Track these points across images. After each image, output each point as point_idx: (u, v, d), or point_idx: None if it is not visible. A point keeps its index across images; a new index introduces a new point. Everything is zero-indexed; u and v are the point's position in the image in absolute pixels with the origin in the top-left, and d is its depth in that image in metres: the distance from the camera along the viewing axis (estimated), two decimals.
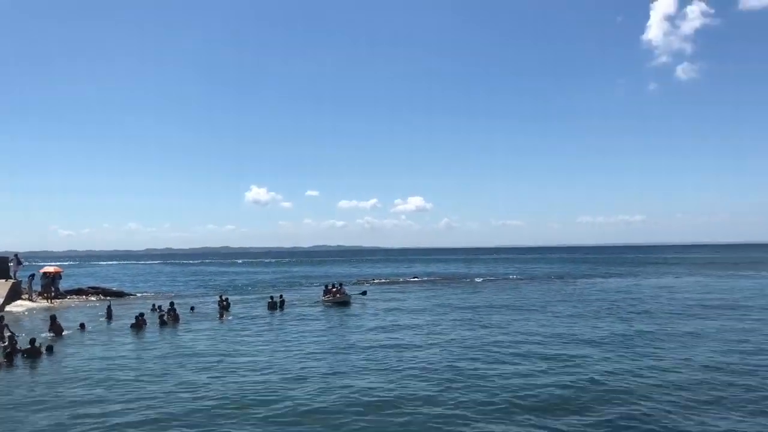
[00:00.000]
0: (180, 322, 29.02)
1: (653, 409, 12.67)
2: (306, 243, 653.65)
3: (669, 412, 12.51)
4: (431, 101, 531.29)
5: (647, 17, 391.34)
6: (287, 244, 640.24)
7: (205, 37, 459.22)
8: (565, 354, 19.02)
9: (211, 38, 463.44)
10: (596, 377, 15.62)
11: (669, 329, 24.10)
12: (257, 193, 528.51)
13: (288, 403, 13.64)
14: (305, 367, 17.71)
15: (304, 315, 32.10)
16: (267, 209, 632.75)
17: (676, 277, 60.53)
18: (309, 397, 14.19)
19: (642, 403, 13.18)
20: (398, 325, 27.09)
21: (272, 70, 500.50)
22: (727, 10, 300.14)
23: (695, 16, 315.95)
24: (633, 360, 17.93)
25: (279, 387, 15.19)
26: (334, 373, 16.75)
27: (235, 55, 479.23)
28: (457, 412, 12.78)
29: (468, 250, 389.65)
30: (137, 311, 29.45)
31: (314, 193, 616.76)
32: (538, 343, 21.20)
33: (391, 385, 15.19)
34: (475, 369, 16.97)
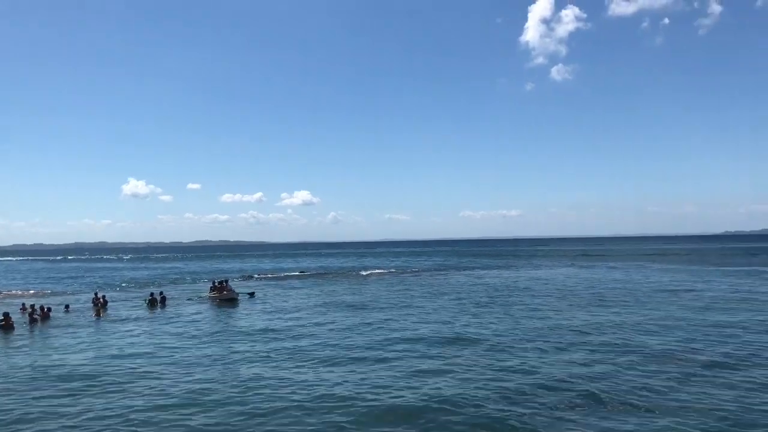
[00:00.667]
0: (50, 321, 27.42)
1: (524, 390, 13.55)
2: (187, 238, 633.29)
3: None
4: (317, 97, 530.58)
5: (525, 19, 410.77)
6: (167, 239, 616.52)
7: (84, 26, 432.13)
8: (456, 344, 19.82)
9: (95, 28, 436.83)
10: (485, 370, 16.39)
11: (548, 320, 25.63)
12: (135, 185, 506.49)
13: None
14: (189, 372, 17.32)
15: (187, 313, 31.10)
16: (146, 203, 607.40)
17: (550, 269, 64.18)
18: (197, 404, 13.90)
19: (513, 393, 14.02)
20: (284, 322, 26.97)
21: (154, 57, 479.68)
22: (598, 15, 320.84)
23: (569, 19, 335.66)
24: (543, 354, 18.95)
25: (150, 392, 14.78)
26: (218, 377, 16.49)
27: (126, 42, 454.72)
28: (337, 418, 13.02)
29: (356, 243, 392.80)
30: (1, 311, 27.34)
31: (196, 186, 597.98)
32: (411, 338, 21.87)
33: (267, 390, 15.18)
34: (368, 372, 17.27)
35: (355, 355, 18.20)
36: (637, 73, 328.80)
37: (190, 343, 21.32)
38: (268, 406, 12.95)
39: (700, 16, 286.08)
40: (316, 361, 17.57)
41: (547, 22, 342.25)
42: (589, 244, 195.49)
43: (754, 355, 17.18)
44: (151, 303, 33.76)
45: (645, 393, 13.36)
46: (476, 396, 13.31)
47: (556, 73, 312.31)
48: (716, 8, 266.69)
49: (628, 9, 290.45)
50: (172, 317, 29.07)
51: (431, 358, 17.60)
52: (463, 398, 13.12)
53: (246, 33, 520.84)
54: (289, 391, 14.03)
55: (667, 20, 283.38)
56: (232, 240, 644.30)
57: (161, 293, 36.03)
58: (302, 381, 15.05)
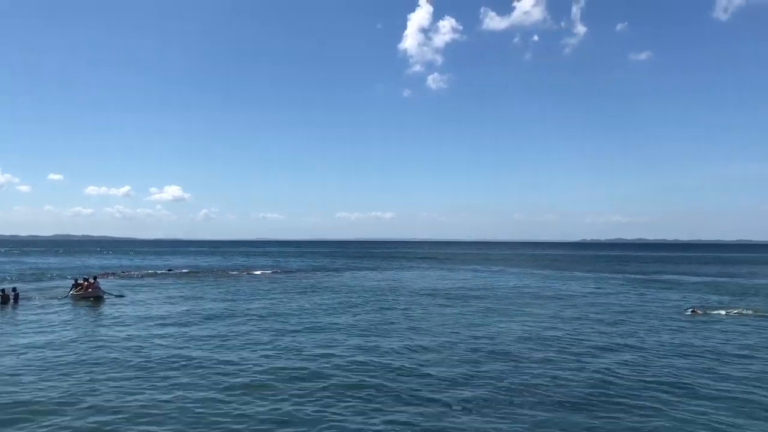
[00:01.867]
0: None
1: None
2: (46, 231, 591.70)
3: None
4: (188, 91, 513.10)
5: (405, 27, 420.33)
6: (24, 232, 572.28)
7: None
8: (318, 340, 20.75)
9: None
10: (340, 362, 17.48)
11: (421, 318, 27.23)
12: None
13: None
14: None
15: (44, 311, 29.78)
16: (0, 193, 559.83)
17: (424, 270, 67.02)
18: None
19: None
20: (148, 322, 26.76)
21: (9, 37, 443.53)
22: (473, 28, 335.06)
23: (446, 30, 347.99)
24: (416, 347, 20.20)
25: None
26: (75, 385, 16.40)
27: None
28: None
29: (228, 242, 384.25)
30: None
31: (57, 176, 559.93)
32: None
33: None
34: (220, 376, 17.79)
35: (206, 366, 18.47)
36: (508, 86, 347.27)
37: (45, 348, 20.21)
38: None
39: (566, 35, 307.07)
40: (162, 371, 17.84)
41: (425, 32, 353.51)
42: (458, 248, 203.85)
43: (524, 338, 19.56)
44: (3, 299, 31.82)
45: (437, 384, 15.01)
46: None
47: (432, 81, 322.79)
48: (581, 29, 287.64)
49: (501, 24, 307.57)
50: (25, 319, 27.35)
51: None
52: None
53: (104, 24, 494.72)
54: (124, 401, 14.19)
55: (536, 37, 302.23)
56: (95, 235, 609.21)
57: (14, 289, 33.84)
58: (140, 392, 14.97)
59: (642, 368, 16.89)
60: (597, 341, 21.28)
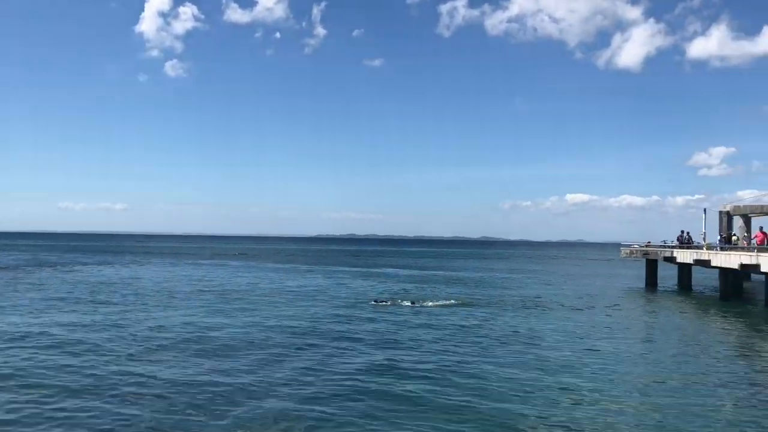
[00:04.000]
0: None
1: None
2: None
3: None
4: None
5: (142, 9, 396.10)
6: None
7: None
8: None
9: None
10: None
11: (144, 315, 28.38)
12: None
13: None
14: None
15: None
16: None
17: (154, 266, 66.28)
18: None
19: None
20: None
21: None
22: (215, 19, 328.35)
23: (187, 17, 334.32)
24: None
25: None
26: None
27: None
28: None
29: None
30: None
31: None
32: None
33: None
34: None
35: None
36: (249, 80, 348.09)
37: None
38: None
39: (307, 35, 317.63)
40: None
41: (165, 16, 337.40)
42: (191, 242, 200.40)
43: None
44: None
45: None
46: None
47: (171, 68, 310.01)
48: (321, 31, 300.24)
49: (243, 17, 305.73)
50: None
51: None
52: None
53: None
54: None
55: (278, 34, 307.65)
56: None
57: None
58: None
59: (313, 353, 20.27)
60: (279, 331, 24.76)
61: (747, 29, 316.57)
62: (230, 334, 22.54)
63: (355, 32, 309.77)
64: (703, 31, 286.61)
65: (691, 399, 14.39)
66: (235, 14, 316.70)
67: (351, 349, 19.97)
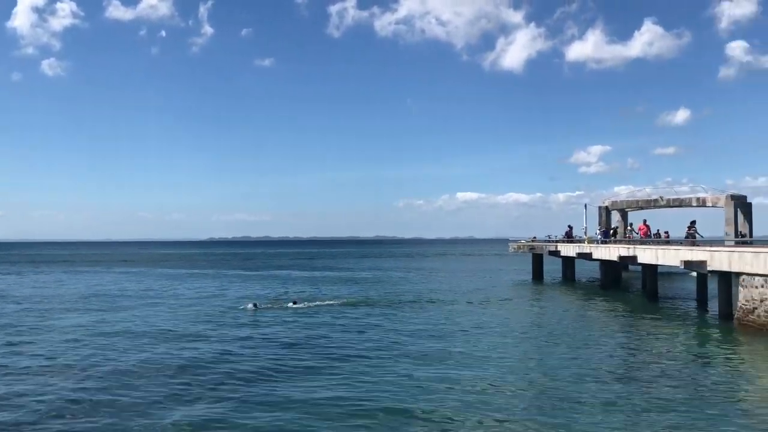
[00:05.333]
0: None
1: None
2: None
3: None
4: None
5: (15, 4, 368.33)
6: None
7: None
8: None
9: None
10: None
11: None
12: None
13: None
14: None
15: None
16: None
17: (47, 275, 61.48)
18: None
19: None
20: None
21: None
22: (96, 15, 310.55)
23: (66, 14, 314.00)
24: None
25: None
26: None
27: None
28: None
29: None
30: None
31: None
32: None
33: None
34: None
35: None
36: (133, 79, 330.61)
37: None
38: None
39: (194, 34, 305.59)
40: None
41: (40, 12, 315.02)
42: (73, 249, 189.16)
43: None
44: None
45: None
46: None
47: (48, 67, 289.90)
48: (209, 29, 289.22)
49: (126, 14, 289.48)
50: None
51: None
52: None
53: None
54: None
55: (164, 32, 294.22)
56: None
57: None
58: None
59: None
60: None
61: (620, 33, 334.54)
62: (96, 345, 20.88)
63: (244, 31, 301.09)
64: (580, 35, 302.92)
65: (575, 369, 16.21)
66: (117, 11, 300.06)
67: (226, 353, 18.95)
